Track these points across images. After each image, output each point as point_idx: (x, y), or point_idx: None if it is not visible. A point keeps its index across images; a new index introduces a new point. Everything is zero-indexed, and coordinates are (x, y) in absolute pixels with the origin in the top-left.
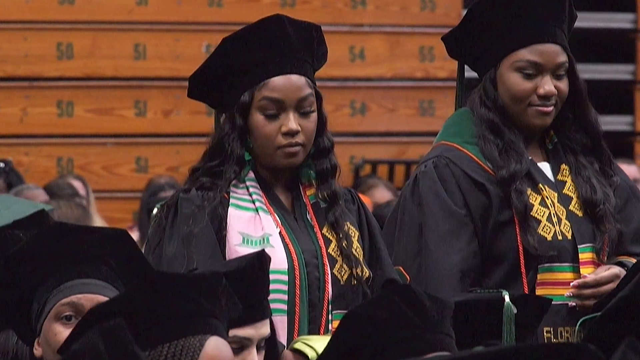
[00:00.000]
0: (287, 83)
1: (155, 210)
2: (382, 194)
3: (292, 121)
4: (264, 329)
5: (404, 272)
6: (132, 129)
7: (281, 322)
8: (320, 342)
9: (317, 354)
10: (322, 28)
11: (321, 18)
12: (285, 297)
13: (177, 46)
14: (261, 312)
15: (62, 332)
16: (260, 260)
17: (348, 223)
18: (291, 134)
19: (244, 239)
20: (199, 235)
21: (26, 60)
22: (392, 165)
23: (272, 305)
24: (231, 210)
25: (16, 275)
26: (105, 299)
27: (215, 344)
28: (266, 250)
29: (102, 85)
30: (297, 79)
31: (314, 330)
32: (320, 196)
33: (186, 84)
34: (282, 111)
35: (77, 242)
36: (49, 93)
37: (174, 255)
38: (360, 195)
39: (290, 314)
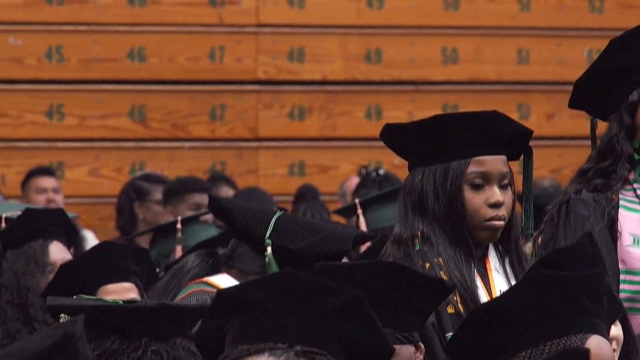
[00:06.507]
0: None
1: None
2: None
3: None
4: None
5: None
6: None
7: None
8: None
9: None
10: None
11: None
12: None
13: (559, 51)
14: None
15: None
16: None
17: None
18: None
19: (634, 239)
20: (598, 237)
21: (412, 65)
22: None
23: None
24: (621, 212)
25: None
26: None
27: (596, 343)
28: None
29: (486, 90)
30: None
31: None
32: None
33: (568, 88)
34: None
35: None
36: (434, 97)
37: None
38: None
39: None
